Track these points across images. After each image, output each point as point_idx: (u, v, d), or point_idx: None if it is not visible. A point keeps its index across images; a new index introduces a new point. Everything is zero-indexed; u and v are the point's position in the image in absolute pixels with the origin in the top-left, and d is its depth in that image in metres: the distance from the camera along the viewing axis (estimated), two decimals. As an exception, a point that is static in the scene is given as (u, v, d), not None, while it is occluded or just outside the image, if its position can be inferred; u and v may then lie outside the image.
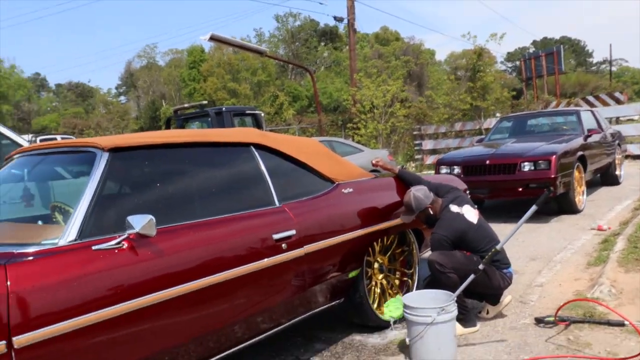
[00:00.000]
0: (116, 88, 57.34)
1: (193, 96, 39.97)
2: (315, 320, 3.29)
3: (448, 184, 3.62)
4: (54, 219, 2.52)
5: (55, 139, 16.87)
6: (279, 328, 2.75)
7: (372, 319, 3.34)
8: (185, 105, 11.25)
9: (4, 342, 1.67)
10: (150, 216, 1.97)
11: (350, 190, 3.22)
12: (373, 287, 3.48)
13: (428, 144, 15.55)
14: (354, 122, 16.57)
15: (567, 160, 6.35)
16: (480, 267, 2.96)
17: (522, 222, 2.84)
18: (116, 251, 2.00)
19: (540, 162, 6.09)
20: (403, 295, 3.39)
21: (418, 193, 3.29)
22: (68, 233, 1.97)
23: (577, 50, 64.40)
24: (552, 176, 5.99)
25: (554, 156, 6.05)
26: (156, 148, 2.43)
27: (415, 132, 15.93)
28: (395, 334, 3.36)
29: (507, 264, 3.34)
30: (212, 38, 12.51)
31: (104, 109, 48.86)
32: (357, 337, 3.38)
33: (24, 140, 5.14)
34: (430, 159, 14.97)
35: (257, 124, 10.13)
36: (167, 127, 10.49)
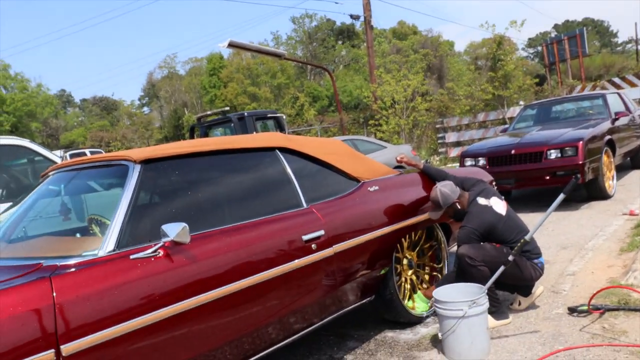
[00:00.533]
0: (139, 99, 58.36)
1: (214, 103, 40.44)
2: (346, 318, 3.33)
3: (474, 177, 3.62)
4: (91, 231, 2.62)
5: (84, 153, 17.28)
6: (311, 328, 2.79)
7: (403, 315, 3.37)
8: (208, 112, 11.40)
9: (52, 350, 1.75)
10: (184, 224, 2.04)
11: (376, 188, 3.25)
12: (403, 283, 3.50)
13: (451, 137, 15.41)
14: (375, 119, 16.55)
15: (595, 145, 6.24)
16: (510, 258, 2.96)
17: (550, 211, 2.82)
18: (153, 259, 2.08)
19: (567, 148, 6.01)
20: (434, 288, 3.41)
21: (444, 188, 3.29)
22: (107, 244, 2.05)
23: (600, 31, 62.83)
24: (580, 162, 5.90)
25: (581, 142, 5.96)
26: (185, 157, 2.50)
27: (438, 125, 15.81)
28: (427, 330, 3.38)
29: (538, 254, 3.32)
30: (231, 44, 12.64)
31: (128, 121, 49.76)
32: (389, 334, 3.41)
33: (55, 156, 5.31)
34: (454, 152, 14.84)
35: (280, 126, 10.21)
36: (192, 135, 10.64)
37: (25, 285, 1.81)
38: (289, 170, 2.86)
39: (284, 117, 10.71)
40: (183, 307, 2.09)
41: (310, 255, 2.63)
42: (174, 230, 2.04)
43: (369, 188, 3.21)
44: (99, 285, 1.91)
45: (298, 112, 22.88)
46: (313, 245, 2.66)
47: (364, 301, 3.18)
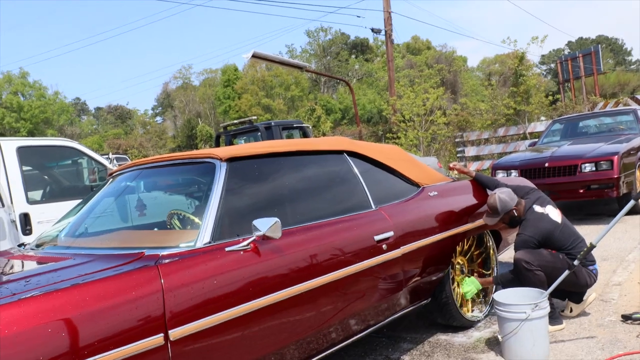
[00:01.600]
0: (152, 109, 58.97)
1: (228, 113, 40.78)
2: (397, 321, 3.38)
3: (527, 185, 3.69)
4: (170, 226, 2.71)
5: (125, 158, 17.53)
6: (372, 328, 2.84)
7: (457, 319, 3.42)
8: (235, 121, 11.55)
9: (161, 334, 1.83)
10: (276, 219, 2.13)
11: (435, 193, 3.33)
12: (455, 288, 3.56)
13: (471, 151, 15.46)
14: (393, 132, 16.64)
15: (629, 160, 6.29)
16: (576, 262, 3.01)
17: (619, 217, 2.86)
18: (244, 252, 2.16)
19: (602, 162, 6.06)
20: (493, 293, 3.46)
21: (503, 195, 3.36)
22: (203, 236, 2.14)
23: (615, 48, 62.79)
24: (615, 176, 5.95)
25: (616, 156, 6.02)
26: (265, 157, 2.60)
27: (457, 140, 15.88)
28: (480, 334, 3.43)
29: (593, 261, 3.37)
30: (255, 55, 12.82)
31: (142, 130, 50.20)
32: (442, 337, 3.46)
33: (103, 158, 5.43)
34: (473, 166, 14.87)
35: (305, 136, 10.33)
36: (217, 143, 10.78)
37: (134, 272, 1.89)
38: (357, 172, 2.95)
39: (310, 127, 10.83)
40: (272, 300, 2.17)
41: (381, 255, 2.71)
42: (266, 225, 2.12)
43: (429, 193, 3.29)
44: (201, 274, 1.99)
45: (314, 124, 23.02)
46: (384, 246, 2.73)
47: (420, 304, 3.23)
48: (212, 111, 48.05)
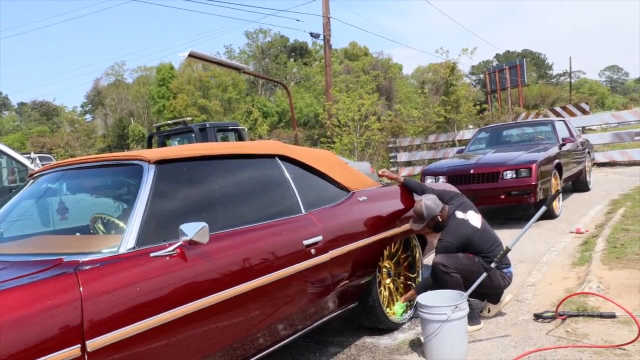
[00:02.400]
0: (82, 106, 56.42)
1: (162, 113, 39.75)
2: (324, 325, 3.44)
3: (452, 190, 3.86)
4: (93, 231, 2.62)
5: (50, 158, 16.56)
6: (299, 333, 2.86)
7: (383, 322, 3.52)
8: (169, 122, 11.28)
9: (78, 345, 1.76)
10: (204, 223, 2.11)
11: (365, 198, 3.42)
12: (382, 291, 3.66)
13: (403, 156, 15.93)
14: (327, 136, 16.84)
15: (546, 168, 6.72)
16: (492, 265, 3.19)
17: (532, 222, 3.06)
18: (170, 258, 2.13)
19: (521, 170, 6.43)
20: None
21: (429, 202, 3.50)
22: (127, 241, 2.09)
23: (538, 62, 66.72)
24: (533, 183, 6.33)
25: (535, 164, 6.41)
26: (195, 160, 2.58)
27: (390, 145, 16.30)
28: (404, 336, 3.55)
29: (507, 264, 3.58)
30: (191, 55, 12.59)
31: (70, 127, 47.92)
32: (369, 340, 3.55)
33: (24, 158, 5.16)
34: (405, 171, 15.33)
35: (240, 139, 10.26)
36: (149, 143, 10.49)
37: (51, 280, 1.81)
38: (288, 177, 2.99)
39: (245, 129, 10.76)
40: (198, 306, 2.15)
41: (310, 260, 2.75)
42: (193, 230, 2.10)
43: (358, 198, 3.38)
44: (123, 281, 1.95)
45: (251, 126, 22.93)
46: (312, 250, 2.78)
47: (348, 307, 3.30)
48: (146, 110, 46.65)
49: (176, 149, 2.57)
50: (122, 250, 2.07)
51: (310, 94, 43.00)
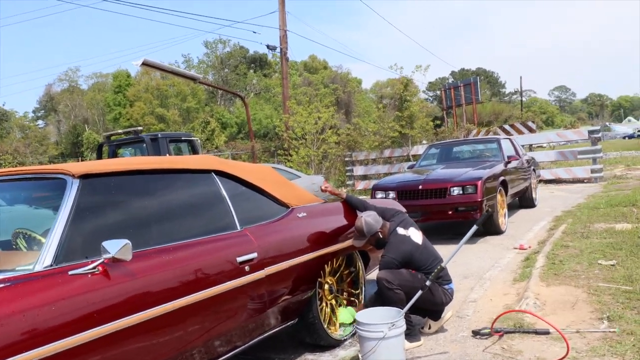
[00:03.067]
0: (34, 112, 54.49)
1: (119, 121, 38.88)
2: (266, 342, 3.38)
3: (393, 208, 3.89)
4: (15, 246, 2.49)
5: None
6: (236, 350, 2.82)
7: (324, 338, 3.49)
8: (120, 131, 11.01)
9: None
10: (127, 241, 2.05)
11: (304, 214, 3.40)
12: (324, 307, 3.64)
13: (359, 170, 16.07)
14: (284, 149, 16.83)
15: (491, 185, 6.89)
16: (428, 283, 3.22)
17: (464, 241, 3.12)
18: (92, 275, 2.05)
19: (467, 186, 6.57)
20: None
21: (369, 218, 3.52)
22: (44, 259, 2.00)
23: (491, 81, 68.97)
24: (479, 199, 6.48)
25: (480, 181, 6.56)
26: (124, 174, 2.50)
27: (346, 159, 16.43)
28: (345, 353, 3.52)
29: (449, 281, 3.63)
30: (145, 63, 12.38)
31: (20, 134, 46.13)
32: (310, 356, 3.51)
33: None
34: (361, 185, 15.46)
35: (193, 150, 10.11)
36: (99, 153, 10.21)
37: None
38: (224, 193, 2.93)
39: (199, 140, 10.62)
40: (120, 326, 2.07)
41: (244, 277, 2.70)
42: (116, 247, 2.03)
43: (298, 214, 3.35)
44: (36, 301, 1.85)
45: (208, 137, 22.66)
46: (246, 267, 2.73)
47: (287, 324, 3.27)
48: (101, 118, 45.52)
49: (103, 163, 2.49)
50: (38, 268, 1.97)
51: (270, 106, 42.97)
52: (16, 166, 19.33)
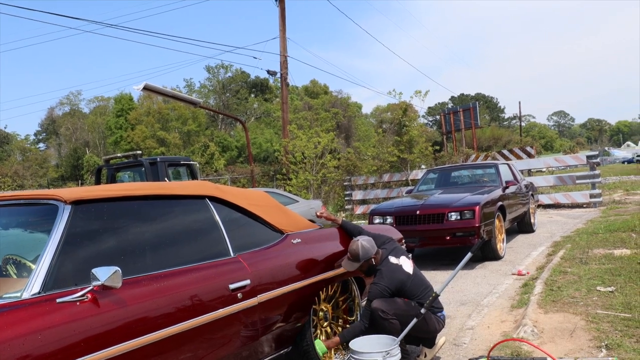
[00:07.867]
0: (35, 135, 54.80)
1: (119, 144, 39.05)
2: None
3: (385, 235, 3.87)
4: (5, 272, 2.48)
5: None
6: None
7: (318, 366, 3.44)
8: (118, 155, 11.03)
9: None
10: (117, 268, 2.04)
11: (299, 240, 3.38)
12: (318, 335, 3.60)
13: (358, 194, 16.06)
14: (282, 173, 16.86)
15: (489, 210, 6.87)
16: (422, 311, 3.19)
17: (458, 269, 3.11)
18: (80, 303, 2.03)
19: (465, 212, 6.56)
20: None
21: (365, 243, 3.50)
22: (32, 286, 1.98)
23: (490, 106, 69.44)
24: (477, 225, 6.45)
25: (478, 206, 6.55)
26: (117, 200, 2.49)
27: (345, 183, 16.45)
28: (340, 381, 3.48)
29: (440, 308, 3.60)
30: (146, 88, 12.48)
31: (21, 156, 46.30)
32: (304, 385, 3.46)
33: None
34: (360, 209, 15.43)
35: (192, 174, 10.11)
36: (98, 176, 10.21)
37: None
38: (218, 219, 2.93)
39: (197, 164, 10.63)
40: (108, 354, 2.04)
41: (236, 304, 2.68)
42: (105, 274, 2.02)
43: (292, 240, 3.34)
44: (22, 329, 1.83)
45: (208, 160, 22.73)
46: (239, 295, 2.71)
47: (281, 351, 3.22)
48: (102, 141, 45.74)
49: (96, 189, 2.49)
50: (26, 295, 1.96)
51: (270, 130, 43.23)
52: (15, 189, 19.35)
